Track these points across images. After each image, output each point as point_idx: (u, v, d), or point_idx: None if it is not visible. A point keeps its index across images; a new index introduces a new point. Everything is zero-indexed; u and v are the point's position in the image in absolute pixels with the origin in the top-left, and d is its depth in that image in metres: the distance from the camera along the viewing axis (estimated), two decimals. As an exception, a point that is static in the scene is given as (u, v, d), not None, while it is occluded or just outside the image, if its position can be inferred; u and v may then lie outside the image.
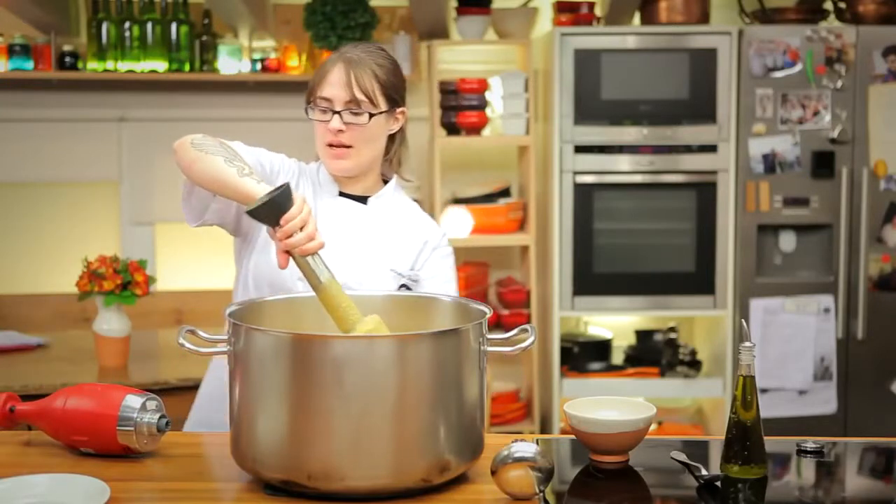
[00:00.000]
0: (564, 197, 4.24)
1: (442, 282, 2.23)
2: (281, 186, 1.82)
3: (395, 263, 2.19)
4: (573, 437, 1.92)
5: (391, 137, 2.23)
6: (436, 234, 2.28)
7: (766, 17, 4.40)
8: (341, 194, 2.21)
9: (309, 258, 1.81)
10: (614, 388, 4.22)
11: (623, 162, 4.24)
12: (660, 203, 4.28)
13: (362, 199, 2.22)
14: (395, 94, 2.17)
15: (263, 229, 2.07)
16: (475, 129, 4.40)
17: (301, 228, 1.79)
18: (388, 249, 2.20)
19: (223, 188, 1.94)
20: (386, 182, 2.28)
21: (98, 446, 1.85)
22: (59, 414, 1.86)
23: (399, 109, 2.19)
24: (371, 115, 2.12)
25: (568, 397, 4.02)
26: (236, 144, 2.09)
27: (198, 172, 1.97)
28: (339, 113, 2.11)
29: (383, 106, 2.14)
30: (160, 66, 4.30)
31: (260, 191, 1.85)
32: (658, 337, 4.43)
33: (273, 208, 1.79)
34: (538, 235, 4.45)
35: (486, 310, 1.82)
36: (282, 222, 1.79)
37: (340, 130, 2.11)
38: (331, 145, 2.14)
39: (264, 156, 2.18)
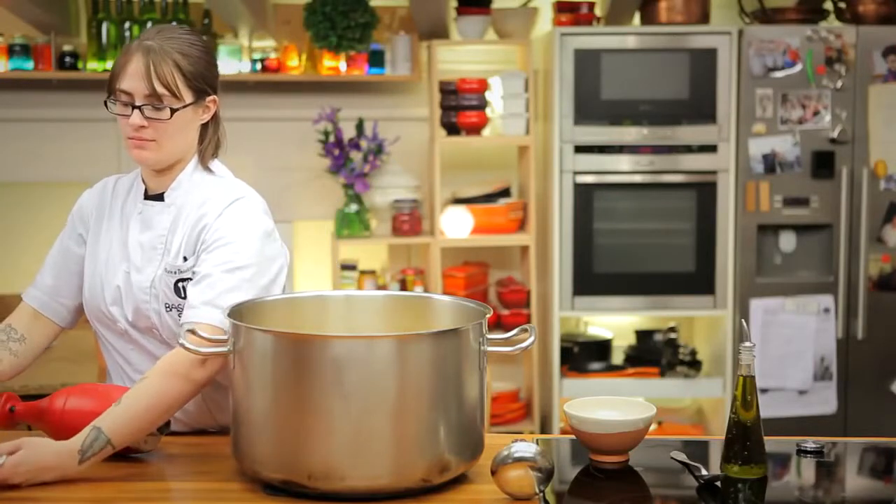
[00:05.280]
0: (564, 197, 4.24)
1: (200, 286, 1.93)
2: None
3: (169, 260, 2.01)
4: (573, 437, 1.92)
5: (204, 126, 2.05)
6: (213, 209, 2.00)
7: (766, 17, 4.40)
8: (147, 196, 2.07)
9: None
10: (614, 388, 4.22)
11: (623, 162, 4.24)
12: (660, 203, 4.28)
13: (163, 197, 2.06)
14: (203, 83, 1.99)
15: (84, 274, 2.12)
16: (475, 129, 4.40)
17: None
18: (167, 246, 2.02)
19: None
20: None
21: (98, 446, 1.84)
22: (59, 414, 1.86)
23: (209, 98, 2.02)
24: (173, 111, 1.95)
25: (568, 397, 4.02)
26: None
27: None
28: (139, 108, 1.94)
29: (188, 98, 1.96)
30: (160, 66, 4.29)
31: None
32: (658, 337, 4.43)
33: None
34: (538, 235, 4.44)
35: (486, 310, 1.82)
36: None
37: (142, 126, 1.94)
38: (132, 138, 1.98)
39: (64, 233, 2.25)
